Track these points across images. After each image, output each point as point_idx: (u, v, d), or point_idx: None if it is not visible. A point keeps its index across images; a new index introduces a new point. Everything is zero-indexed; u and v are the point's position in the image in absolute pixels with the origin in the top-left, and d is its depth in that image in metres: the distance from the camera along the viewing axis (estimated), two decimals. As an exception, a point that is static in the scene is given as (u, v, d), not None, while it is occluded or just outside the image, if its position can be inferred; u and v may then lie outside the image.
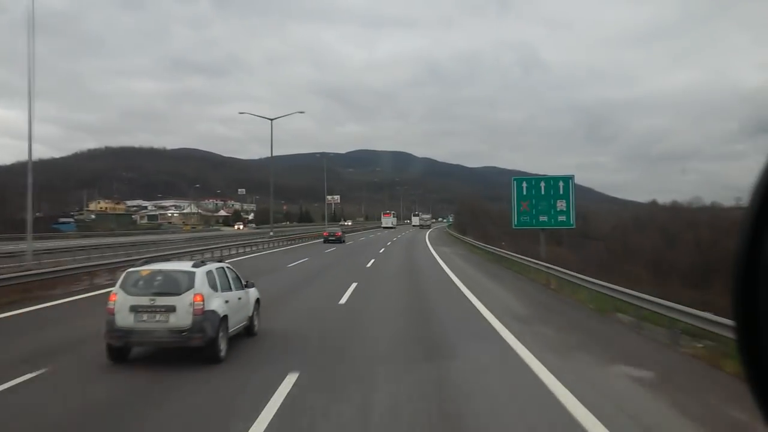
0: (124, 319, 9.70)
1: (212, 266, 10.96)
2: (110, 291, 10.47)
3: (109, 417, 7.51)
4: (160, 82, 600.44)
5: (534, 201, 28.86)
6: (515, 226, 30.11)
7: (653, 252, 60.09)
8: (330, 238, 56.45)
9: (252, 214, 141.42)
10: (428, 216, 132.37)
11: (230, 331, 10.67)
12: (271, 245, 48.46)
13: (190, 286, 9.88)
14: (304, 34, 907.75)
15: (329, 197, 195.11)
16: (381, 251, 44.08)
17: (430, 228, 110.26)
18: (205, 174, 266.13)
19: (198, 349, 9.77)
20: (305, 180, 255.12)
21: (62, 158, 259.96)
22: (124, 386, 8.83)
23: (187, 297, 9.76)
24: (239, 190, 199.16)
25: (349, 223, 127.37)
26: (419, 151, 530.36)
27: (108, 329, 9.77)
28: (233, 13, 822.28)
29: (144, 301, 9.77)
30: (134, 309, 9.71)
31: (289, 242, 54.32)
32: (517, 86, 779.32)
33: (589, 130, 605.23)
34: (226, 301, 10.59)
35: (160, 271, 10.40)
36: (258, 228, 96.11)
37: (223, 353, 10.12)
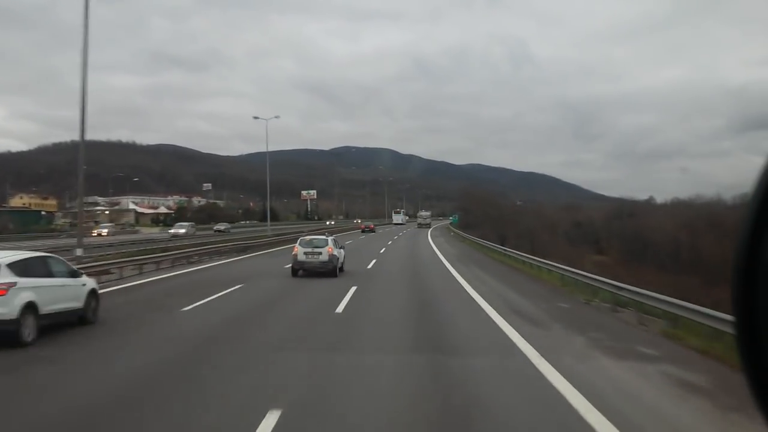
0: (301, 257, 22.65)
1: (332, 237, 25.08)
2: None
3: (293, 290, 18.92)
4: (139, 76, 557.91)
5: None
6: None
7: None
8: (366, 230, 75.48)
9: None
10: (428, 213, 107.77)
11: (339, 265, 23.23)
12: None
13: (326, 244, 23.04)
14: (287, 28, 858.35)
15: (304, 192, 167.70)
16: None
17: (430, 227, 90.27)
18: (178, 170, 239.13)
19: (328, 271, 22.44)
20: (286, 176, 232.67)
21: (21, 152, 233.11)
22: (296, 282, 21.05)
23: (326, 248, 22.70)
24: (204, 185, 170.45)
25: (333, 223, 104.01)
26: (404, 148, 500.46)
27: (293, 262, 22.79)
28: (213, 5, 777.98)
29: (309, 249, 22.77)
30: (305, 253, 22.68)
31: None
32: (505, 82, 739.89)
33: (576, 127, 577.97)
34: (338, 252, 23.76)
35: (314, 238, 24.31)
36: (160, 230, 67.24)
37: (338, 273, 23.03)
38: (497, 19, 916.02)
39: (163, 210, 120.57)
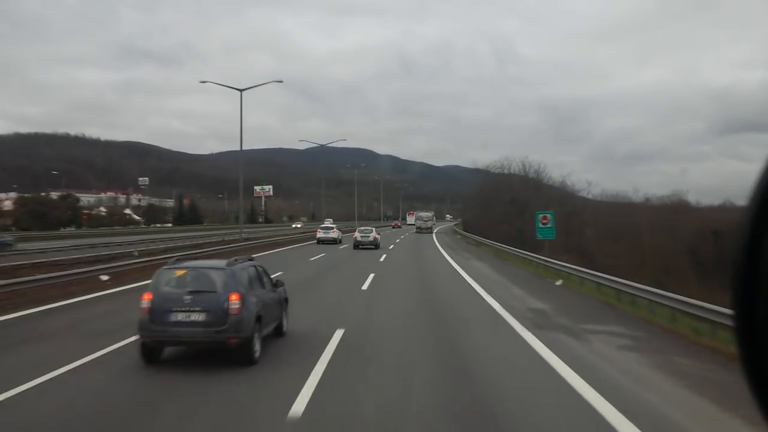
0: (358, 239, 37.04)
1: (375, 228, 42.21)
2: None
3: (354, 254, 31.32)
4: (109, 71, 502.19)
5: None
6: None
7: None
8: (395, 227, 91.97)
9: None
10: (429, 215, 76.23)
11: (378, 243, 38.50)
12: None
13: (372, 231, 38.46)
14: (264, 21, 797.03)
15: (257, 188, 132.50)
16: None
17: (431, 232, 67.80)
18: (128, 166, 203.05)
19: (373, 246, 36.48)
20: (258, 175, 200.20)
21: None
22: (356, 251, 34.43)
23: (372, 234, 37.76)
24: (140, 179, 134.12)
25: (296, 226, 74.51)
26: (383, 149, 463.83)
27: (354, 241, 37.19)
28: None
29: (362, 235, 37.61)
30: (360, 236, 37.38)
31: None
32: (486, 81, 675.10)
33: (557, 128, 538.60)
34: (378, 236, 39.40)
35: (365, 228, 40.38)
36: None
37: (378, 248, 36.59)
38: (481, 16, 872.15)
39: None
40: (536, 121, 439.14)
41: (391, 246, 40.01)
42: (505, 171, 60.91)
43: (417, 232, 69.08)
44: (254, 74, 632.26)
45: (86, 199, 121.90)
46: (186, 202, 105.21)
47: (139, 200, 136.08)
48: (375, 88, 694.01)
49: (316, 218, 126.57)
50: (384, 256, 29.98)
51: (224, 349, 7.99)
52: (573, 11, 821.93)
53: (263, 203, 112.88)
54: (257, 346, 8.31)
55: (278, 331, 9.91)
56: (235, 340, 7.94)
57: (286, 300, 10.46)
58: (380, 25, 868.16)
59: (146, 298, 8.17)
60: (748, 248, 0.91)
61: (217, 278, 8.33)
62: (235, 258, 9.71)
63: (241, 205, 42.07)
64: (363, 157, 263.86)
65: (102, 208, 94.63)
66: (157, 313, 7.93)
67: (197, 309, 7.94)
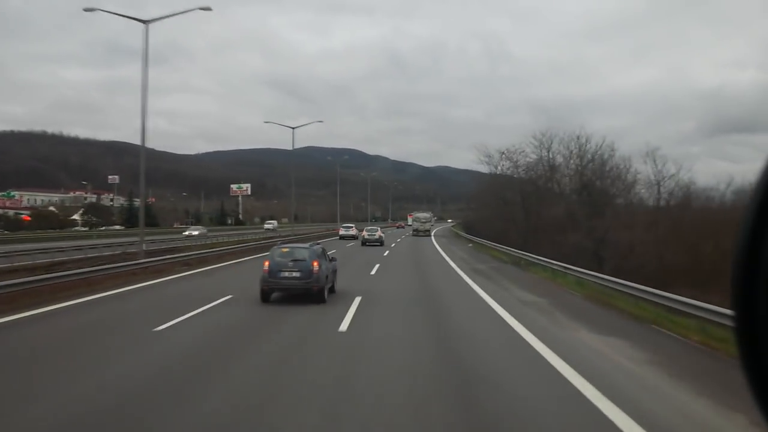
0: (365, 236, 42.12)
1: (380, 227, 51.55)
2: None
3: (362, 250, 37.74)
4: (94, 69, 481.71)
5: None
6: None
7: None
8: (398, 227, 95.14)
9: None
10: (427, 215, 66.93)
11: (383, 240, 44.51)
12: None
13: (378, 230, 44.04)
14: (252, 20, 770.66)
15: (234, 186, 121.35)
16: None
17: (430, 234, 60.09)
18: (104, 164, 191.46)
19: (379, 243, 41.41)
20: (243, 174, 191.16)
21: None
22: (363, 248, 39.75)
23: (378, 232, 42.66)
24: (110, 177, 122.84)
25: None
26: (374, 149, 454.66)
27: (362, 239, 42.25)
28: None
29: (369, 233, 42.19)
30: (367, 235, 42.19)
31: None
32: (476, 81, 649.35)
33: (548, 128, 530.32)
34: (382, 234, 45.14)
35: (371, 227, 45.95)
36: None
37: (383, 245, 42.28)
38: (472, 15, 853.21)
39: None
40: (527, 121, 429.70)
41: (375, 268, 33.09)
42: (544, 152, 46.85)
43: (414, 235, 59.88)
44: (243, 73, 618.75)
45: (45, 198, 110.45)
46: (152, 200, 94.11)
47: (111, 200, 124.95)
48: (365, 88, 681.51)
49: (298, 219, 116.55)
50: (390, 249, 38.97)
51: (309, 293, 13.50)
52: (564, 10, 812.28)
53: (240, 203, 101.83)
54: (326, 293, 13.93)
55: (332, 290, 14.94)
56: (316, 288, 13.54)
57: (336, 271, 15.74)
58: (370, 24, 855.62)
59: (266, 264, 13.79)
60: (748, 248, 0.90)
61: (306, 252, 14.23)
62: (312, 242, 18.82)
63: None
64: (353, 157, 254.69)
65: (52, 208, 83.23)
66: (273, 272, 13.61)
67: (296, 270, 13.59)
